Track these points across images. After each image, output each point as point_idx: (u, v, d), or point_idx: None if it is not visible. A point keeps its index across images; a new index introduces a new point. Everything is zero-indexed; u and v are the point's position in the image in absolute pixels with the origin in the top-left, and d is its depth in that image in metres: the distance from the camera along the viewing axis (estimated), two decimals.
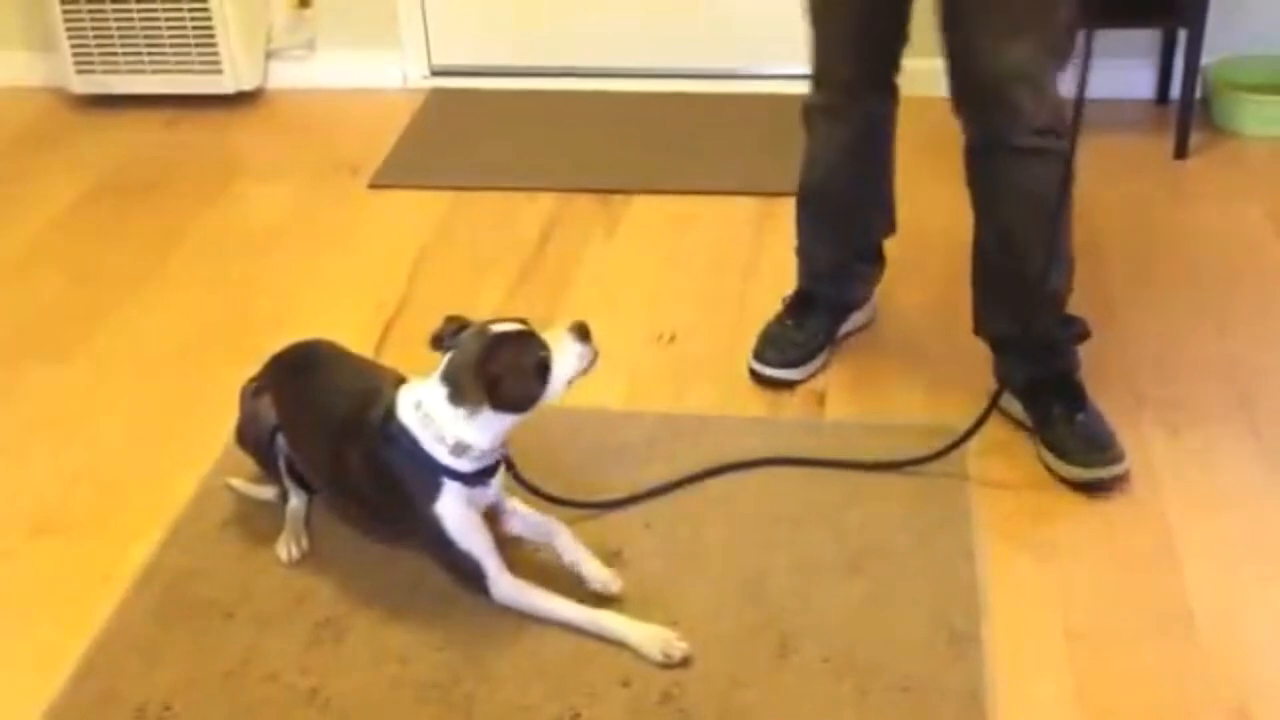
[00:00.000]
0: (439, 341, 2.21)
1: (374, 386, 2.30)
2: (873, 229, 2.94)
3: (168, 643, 2.24)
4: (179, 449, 2.69)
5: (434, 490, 2.20)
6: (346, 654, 2.21)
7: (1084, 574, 2.34)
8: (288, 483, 2.45)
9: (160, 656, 2.22)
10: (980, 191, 2.62)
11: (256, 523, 2.47)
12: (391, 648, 2.21)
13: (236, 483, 2.54)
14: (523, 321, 2.20)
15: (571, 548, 2.31)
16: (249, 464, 2.51)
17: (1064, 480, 2.55)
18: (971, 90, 2.50)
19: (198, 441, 2.66)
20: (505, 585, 2.25)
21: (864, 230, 2.93)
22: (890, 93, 2.74)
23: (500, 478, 2.32)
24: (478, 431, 2.18)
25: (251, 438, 2.46)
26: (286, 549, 2.40)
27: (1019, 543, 2.40)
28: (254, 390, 2.46)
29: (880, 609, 2.26)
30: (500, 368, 2.14)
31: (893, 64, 2.69)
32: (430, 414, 2.18)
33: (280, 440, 2.41)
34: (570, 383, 2.22)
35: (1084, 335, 2.70)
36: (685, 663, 2.15)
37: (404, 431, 2.20)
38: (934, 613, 2.24)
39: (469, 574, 2.26)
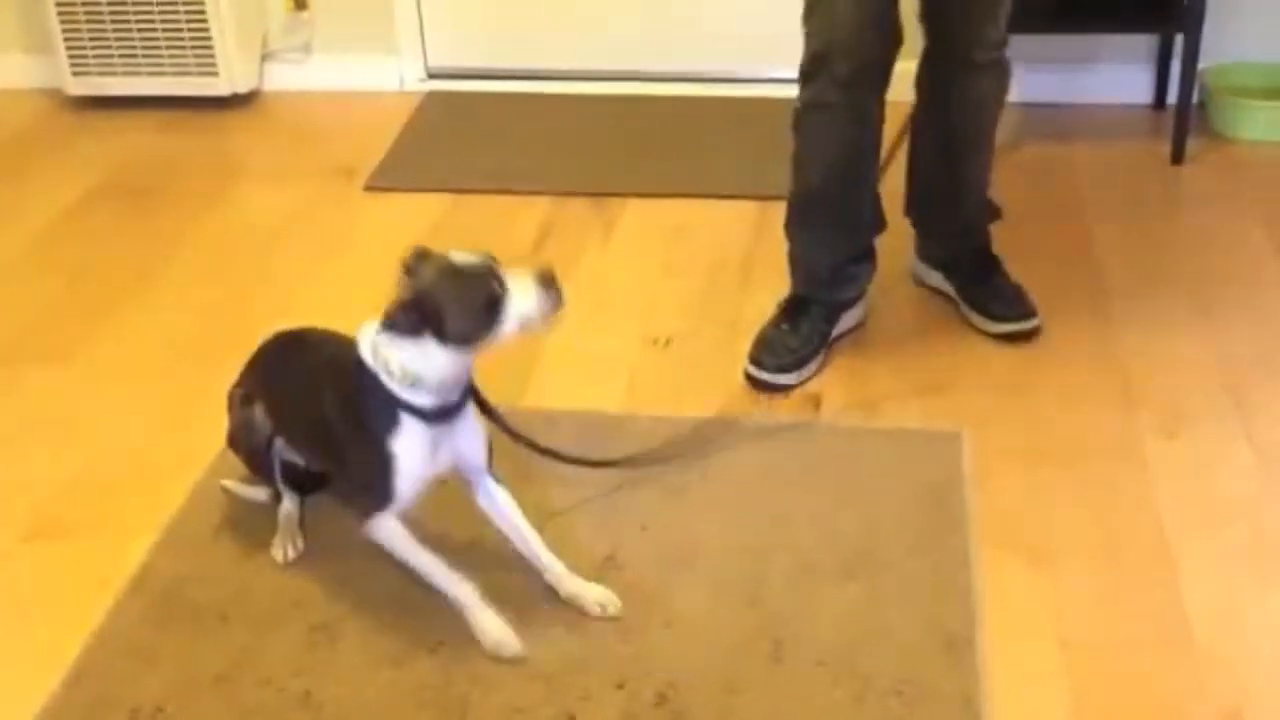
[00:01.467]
0: (406, 271, 2.14)
1: (349, 340, 2.24)
2: (866, 228, 2.95)
3: (162, 646, 2.24)
4: (175, 451, 2.69)
5: (392, 426, 2.15)
6: (341, 657, 2.21)
7: (1079, 579, 2.33)
8: (281, 486, 2.46)
9: (154, 659, 2.21)
10: (932, 100, 2.92)
11: (251, 526, 2.47)
12: (386, 651, 2.21)
13: (230, 484, 2.54)
14: (490, 256, 2.14)
15: (560, 575, 2.29)
16: (243, 465, 2.51)
17: (988, 334, 2.96)
18: (949, 12, 2.76)
19: (194, 443, 2.66)
20: (389, 525, 2.21)
21: (858, 230, 2.94)
22: (884, 89, 2.76)
23: (482, 444, 2.28)
24: (425, 363, 2.12)
25: (245, 445, 2.45)
26: (282, 550, 2.40)
27: (1014, 548, 2.40)
28: (242, 397, 2.45)
29: (875, 613, 2.26)
30: (445, 299, 2.08)
31: (890, 58, 2.73)
32: (381, 346, 2.14)
33: (276, 446, 2.41)
34: (525, 326, 2.12)
35: (996, 215, 3.07)
36: (515, 662, 2.17)
37: (364, 368, 2.16)
38: (929, 618, 2.24)
39: (373, 493, 2.20)
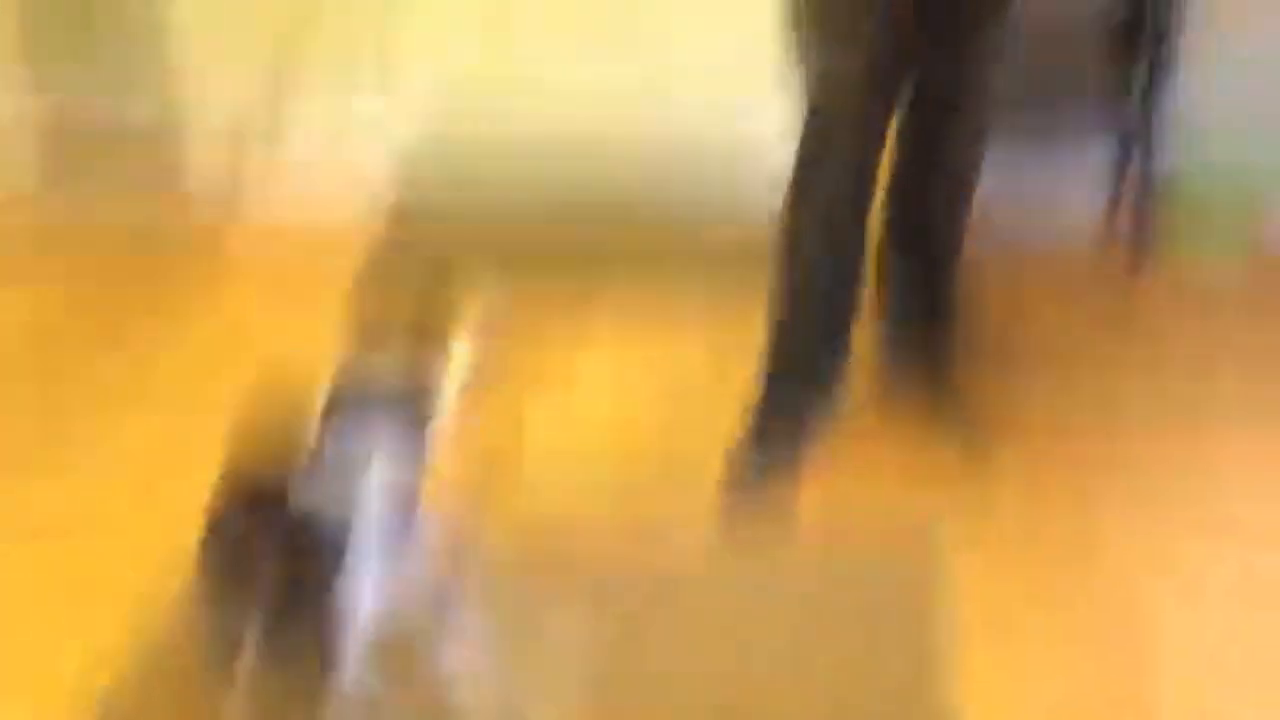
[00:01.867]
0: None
1: None
2: (848, 314, 2.95)
3: None
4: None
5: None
6: None
7: (1056, 664, 2.37)
8: None
9: None
10: (916, 170, 2.94)
11: None
12: None
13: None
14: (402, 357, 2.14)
15: None
16: None
17: (951, 439, 2.94)
18: (948, 70, 2.81)
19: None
20: None
21: (841, 321, 2.95)
22: (884, 138, 2.80)
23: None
24: None
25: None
26: None
27: (992, 634, 2.42)
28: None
29: (851, 701, 2.27)
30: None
31: (896, 103, 2.77)
32: None
33: None
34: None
35: (963, 334, 3.09)
36: None
37: None
38: (903, 704, 2.26)
39: None
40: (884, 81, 2.74)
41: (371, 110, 4.21)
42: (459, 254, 3.87)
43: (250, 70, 4.18)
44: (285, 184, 4.26)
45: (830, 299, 2.90)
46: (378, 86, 4.18)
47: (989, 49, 2.84)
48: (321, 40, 4.13)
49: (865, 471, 2.90)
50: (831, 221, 2.82)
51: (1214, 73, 3.77)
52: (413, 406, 2.10)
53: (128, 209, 4.12)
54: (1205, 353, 3.39)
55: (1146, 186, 3.68)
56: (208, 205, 4.16)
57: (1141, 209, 3.70)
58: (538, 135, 4.17)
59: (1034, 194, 4.00)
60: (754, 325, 2.97)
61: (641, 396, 3.27)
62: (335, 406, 2.13)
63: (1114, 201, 3.97)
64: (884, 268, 3.08)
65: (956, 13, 2.75)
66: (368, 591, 2.15)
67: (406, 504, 2.18)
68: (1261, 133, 3.82)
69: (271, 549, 2.19)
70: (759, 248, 2.92)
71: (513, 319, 3.37)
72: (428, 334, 2.12)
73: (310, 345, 3.41)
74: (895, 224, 3.04)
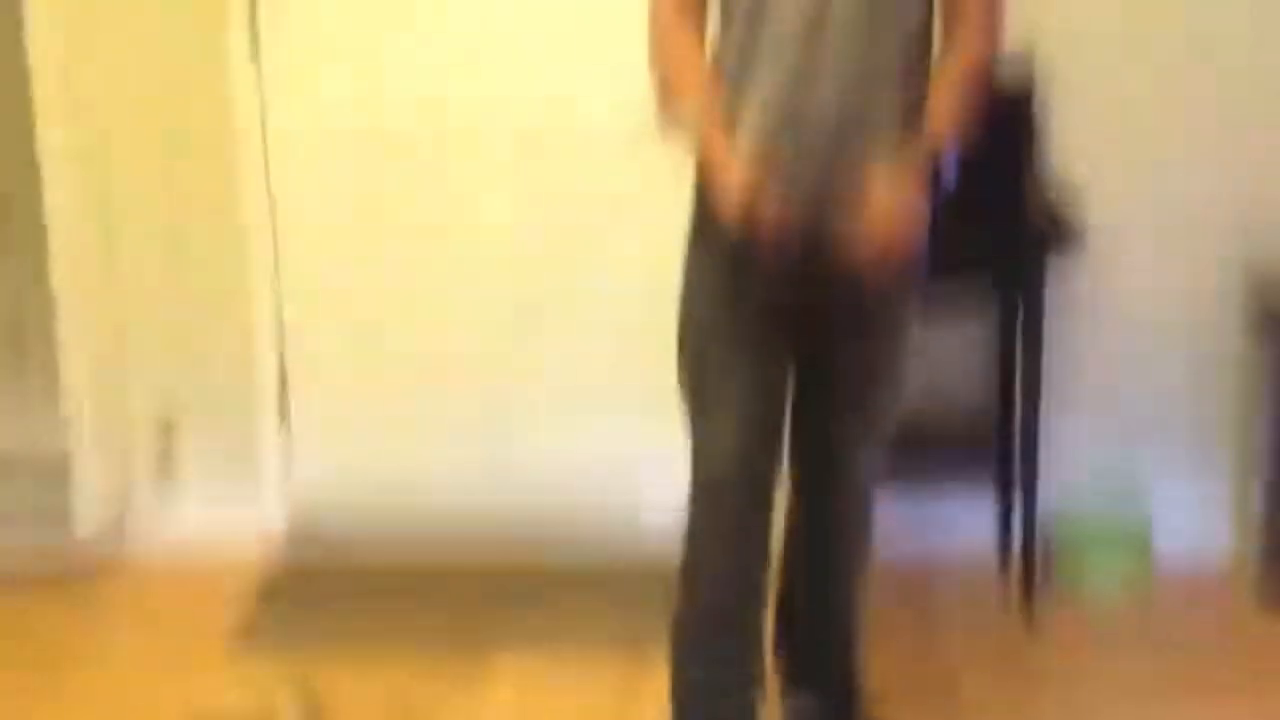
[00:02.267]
0: None
1: None
2: (750, 685, 2.90)
3: None
4: None
5: None
6: None
7: None
8: None
9: None
10: (805, 552, 2.90)
11: None
12: None
13: None
14: None
15: None
16: None
17: None
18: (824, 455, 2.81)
19: None
20: None
21: (744, 690, 2.89)
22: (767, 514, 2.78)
23: None
24: None
25: None
26: None
27: None
28: None
29: None
30: None
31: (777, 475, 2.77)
32: None
33: None
34: None
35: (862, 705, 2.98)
36: None
37: None
38: None
39: None
40: (759, 454, 2.74)
41: (264, 452, 4.20)
42: (353, 602, 3.84)
43: (139, 412, 4.16)
44: (172, 527, 4.20)
45: (726, 678, 2.87)
46: (272, 429, 4.19)
47: (866, 434, 2.84)
48: (214, 383, 4.16)
49: None
50: (722, 591, 2.81)
51: (1092, 416, 3.89)
52: None
53: (8, 553, 4.02)
54: (1103, 687, 3.38)
55: (1031, 530, 3.70)
56: (91, 549, 4.07)
57: (1029, 551, 3.70)
58: (435, 483, 4.19)
59: (926, 545, 3.98)
60: (658, 672, 2.93)
61: None
62: None
63: (1003, 545, 3.98)
64: (782, 642, 3.07)
65: (827, 385, 2.78)
66: None
67: None
68: (1143, 474, 3.91)
69: None
70: (662, 591, 2.90)
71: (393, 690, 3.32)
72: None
73: (191, 696, 3.40)
74: (791, 600, 3.04)
